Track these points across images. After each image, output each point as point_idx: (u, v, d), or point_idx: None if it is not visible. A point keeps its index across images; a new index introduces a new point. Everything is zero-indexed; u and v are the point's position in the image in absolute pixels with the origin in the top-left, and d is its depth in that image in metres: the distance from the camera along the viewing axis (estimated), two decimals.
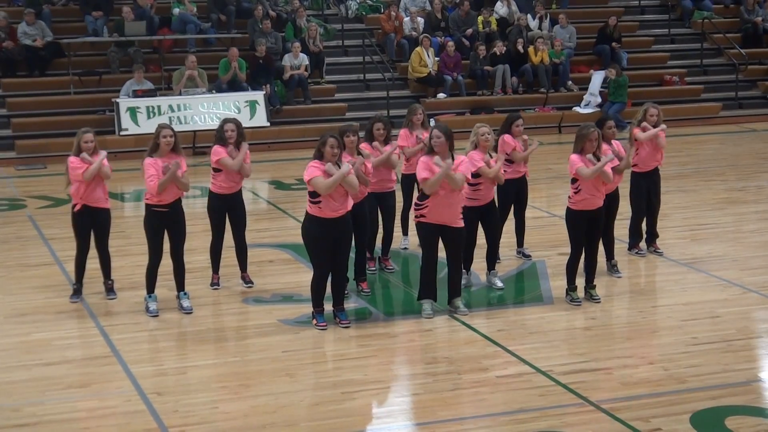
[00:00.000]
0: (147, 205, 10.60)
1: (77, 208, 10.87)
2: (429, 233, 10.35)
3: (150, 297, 10.76)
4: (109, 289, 11.26)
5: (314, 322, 10.23)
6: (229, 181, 11.17)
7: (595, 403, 8.44)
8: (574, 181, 10.63)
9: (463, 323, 10.36)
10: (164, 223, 10.58)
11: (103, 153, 10.80)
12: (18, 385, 8.98)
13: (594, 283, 10.98)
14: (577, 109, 22.51)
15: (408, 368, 9.48)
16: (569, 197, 10.73)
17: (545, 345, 9.81)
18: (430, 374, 9.16)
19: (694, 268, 12.15)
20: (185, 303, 10.82)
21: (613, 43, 23.71)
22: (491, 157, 10.93)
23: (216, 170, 11.14)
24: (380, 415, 8.52)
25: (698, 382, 8.88)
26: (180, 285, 10.84)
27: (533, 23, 23.92)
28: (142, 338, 10.22)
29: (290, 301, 11.05)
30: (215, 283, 11.55)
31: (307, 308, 10.36)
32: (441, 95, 22.28)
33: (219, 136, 11.14)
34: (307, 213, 10.05)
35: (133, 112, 20.01)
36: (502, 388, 8.82)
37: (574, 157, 10.58)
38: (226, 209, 11.32)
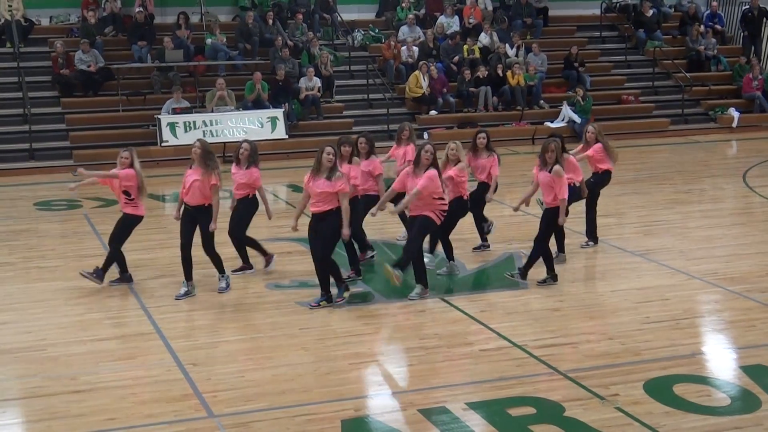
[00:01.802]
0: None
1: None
2: (406, 219, 10.80)
3: (183, 283, 10.82)
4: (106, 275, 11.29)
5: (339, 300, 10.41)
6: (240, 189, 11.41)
7: (563, 372, 8.44)
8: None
9: (451, 304, 10.36)
10: (188, 218, 10.70)
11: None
12: (75, 357, 8.99)
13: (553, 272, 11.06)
14: (548, 123, 22.45)
15: (404, 343, 9.47)
16: None
17: (521, 323, 9.81)
18: (423, 348, 9.16)
19: (647, 258, 12.14)
20: (221, 284, 10.89)
21: (579, 67, 23.66)
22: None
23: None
24: (381, 383, 8.52)
25: (650, 354, 8.88)
26: (219, 270, 10.93)
27: (511, 51, 23.86)
28: (180, 318, 10.23)
29: (306, 287, 11.03)
30: (237, 270, 11.62)
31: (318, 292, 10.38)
32: (433, 112, 22.26)
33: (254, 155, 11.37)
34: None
35: (172, 126, 19.99)
36: (484, 359, 8.82)
37: (538, 166, 11.07)
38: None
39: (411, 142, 12.49)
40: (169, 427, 7.49)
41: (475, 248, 12.30)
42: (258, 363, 8.81)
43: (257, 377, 8.45)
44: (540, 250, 10.93)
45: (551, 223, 10.88)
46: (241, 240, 11.49)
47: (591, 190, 12.28)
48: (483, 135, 12.05)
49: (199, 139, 11.05)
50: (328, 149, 10.12)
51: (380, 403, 7.97)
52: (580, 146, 12.74)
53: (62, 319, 10.11)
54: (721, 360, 9.05)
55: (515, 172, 17.09)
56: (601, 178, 12.57)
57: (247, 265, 11.65)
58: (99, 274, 11.03)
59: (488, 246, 12.41)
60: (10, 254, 12.82)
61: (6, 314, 10.29)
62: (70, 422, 7.57)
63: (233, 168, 11.39)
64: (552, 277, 10.99)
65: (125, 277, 11.24)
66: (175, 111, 20.15)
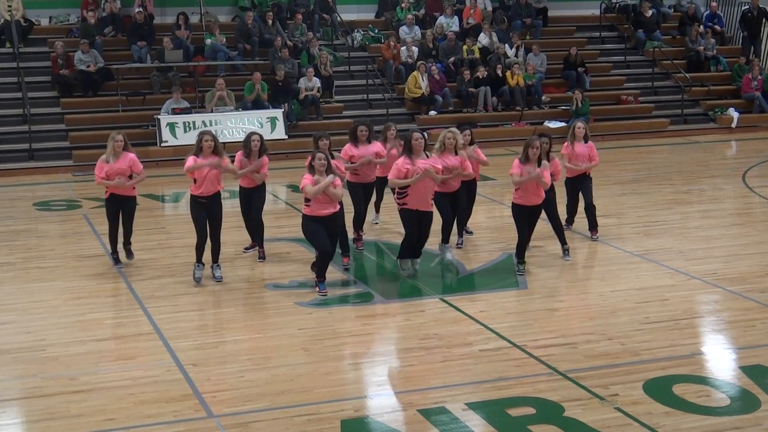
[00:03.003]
0: (191, 195, 11.14)
1: (107, 195, 11.71)
2: (409, 217, 11.01)
3: (197, 266, 11.18)
4: (129, 252, 11.96)
5: (317, 289, 10.68)
6: (248, 180, 11.90)
7: (563, 373, 8.44)
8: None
9: (451, 305, 10.36)
10: (203, 209, 11.07)
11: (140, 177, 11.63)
12: (75, 357, 8.99)
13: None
14: (547, 123, 22.47)
15: (404, 343, 9.48)
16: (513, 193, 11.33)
17: (520, 324, 9.81)
18: (423, 348, 9.15)
19: (646, 259, 12.14)
20: (216, 273, 11.22)
21: (579, 68, 23.68)
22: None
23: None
24: (381, 383, 8.51)
25: (650, 354, 8.88)
26: (214, 259, 11.25)
27: (510, 51, 23.88)
28: (180, 318, 10.21)
29: (305, 287, 11.03)
30: (248, 248, 12.31)
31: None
32: (432, 112, 22.26)
33: (245, 146, 11.84)
34: (303, 213, 10.65)
35: (172, 126, 19.99)
36: (484, 360, 8.82)
37: (516, 162, 11.15)
38: (249, 197, 12.00)
39: (398, 142, 12.70)
40: (168, 427, 7.48)
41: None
42: (258, 363, 8.81)
43: (257, 377, 8.45)
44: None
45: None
46: (259, 221, 12.01)
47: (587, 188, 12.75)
48: (468, 132, 12.25)
49: (207, 132, 11.32)
50: (319, 155, 10.53)
51: (380, 403, 7.96)
52: (565, 144, 12.77)
53: (62, 319, 10.11)
54: (721, 360, 9.05)
55: None
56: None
57: (255, 243, 12.23)
58: (117, 259, 11.91)
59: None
60: (10, 254, 12.82)
61: (6, 314, 10.28)
62: (70, 422, 7.57)
63: (240, 161, 11.73)
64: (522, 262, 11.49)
65: (115, 258, 11.88)
66: (175, 111, 20.14)
